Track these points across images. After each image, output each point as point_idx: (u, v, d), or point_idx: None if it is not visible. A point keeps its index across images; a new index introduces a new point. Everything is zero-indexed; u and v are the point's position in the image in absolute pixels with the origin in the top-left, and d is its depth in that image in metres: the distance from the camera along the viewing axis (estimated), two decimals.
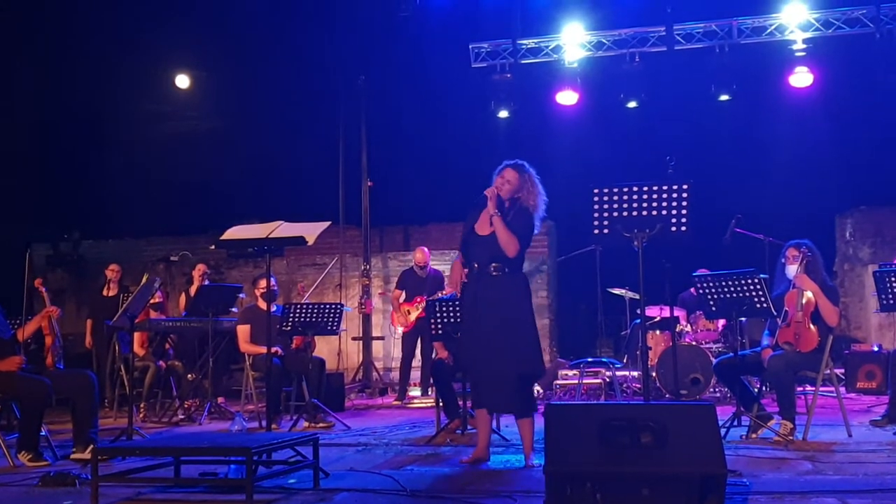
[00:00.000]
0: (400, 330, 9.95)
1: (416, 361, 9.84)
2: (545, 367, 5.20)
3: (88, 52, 11.64)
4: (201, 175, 12.19)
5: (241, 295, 8.65)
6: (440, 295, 9.30)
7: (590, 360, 9.17)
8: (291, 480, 4.62)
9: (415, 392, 9.92)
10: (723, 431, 5.50)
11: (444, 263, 10.86)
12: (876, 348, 9.56)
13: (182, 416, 8.06)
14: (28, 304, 6.85)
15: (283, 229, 5.82)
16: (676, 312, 8.60)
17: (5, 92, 11.66)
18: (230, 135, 12.59)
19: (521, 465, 5.06)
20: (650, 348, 8.73)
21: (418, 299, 9.54)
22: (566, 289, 12.47)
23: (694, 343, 8.62)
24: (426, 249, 9.89)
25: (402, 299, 9.69)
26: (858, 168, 10.99)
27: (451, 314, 6.39)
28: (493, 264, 5.10)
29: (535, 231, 5.26)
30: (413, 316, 9.56)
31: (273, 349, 6.25)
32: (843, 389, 8.14)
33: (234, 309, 8.61)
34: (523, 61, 11.19)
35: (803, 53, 10.33)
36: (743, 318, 7.22)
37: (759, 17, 10.52)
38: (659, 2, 10.67)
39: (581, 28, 10.92)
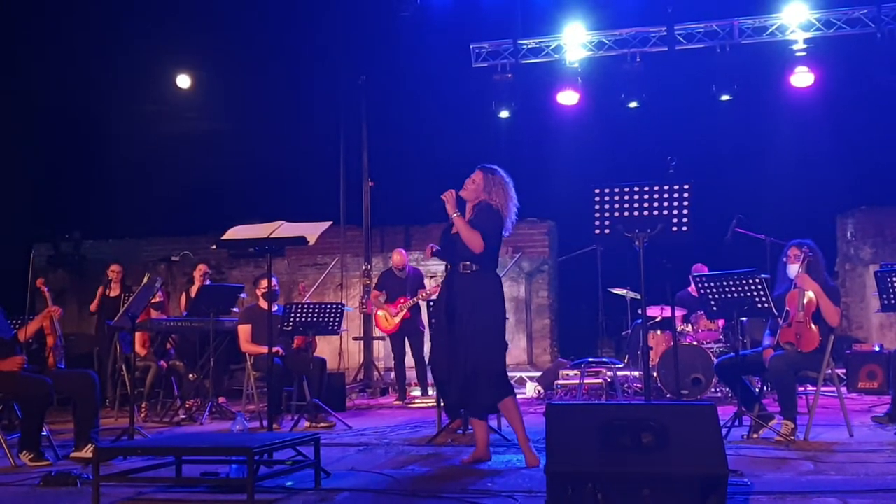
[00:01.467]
0: (382, 330, 9.93)
1: (411, 361, 9.84)
2: (505, 366, 5.24)
3: (89, 51, 11.64)
4: (202, 175, 12.19)
5: (242, 295, 8.65)
6: (422, 293, 9.30)
7: (591, 360, 9.15)
8: (289, 483, 4.61)
9: (416, 392, 9.92)
10: (724, 431, 5.48)
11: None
12: (877, 348, 9.55)
13: (183, 416, 8.06)
14: (30, 304, 6.85)
15: (284, 229, 5.82)
16: (678, 312, 8.59)
17: (5, 92, 11.66)
18: (231, 135, 12.59)
19: (521, 465, 5.06)
20: (651, 348, 8.73)
21: (401, 300, 9.53)
22: (567, 289, 12.47)
23: (695, 343, 8.61)
24: (403, 251, 9.91)
25: (383, 300, 9.66)
26: (860, 168, 10.98)
27: None
28: (463, 263, 5.18)
29: (506, 233, 5.29)
30: (398, 318, 9.54)
31: (274, 349, 6.25)
32: (844, 389, 8.12)
33: (235, 309, 8.61)
34: (524, 61, 11.20)
35: (804, 53, 10.33)
36: (744, 319, 7.21)
37: (760, 17, 10.52)
38: (660, 2, 10.68)
39: (582, 28, 10.92)
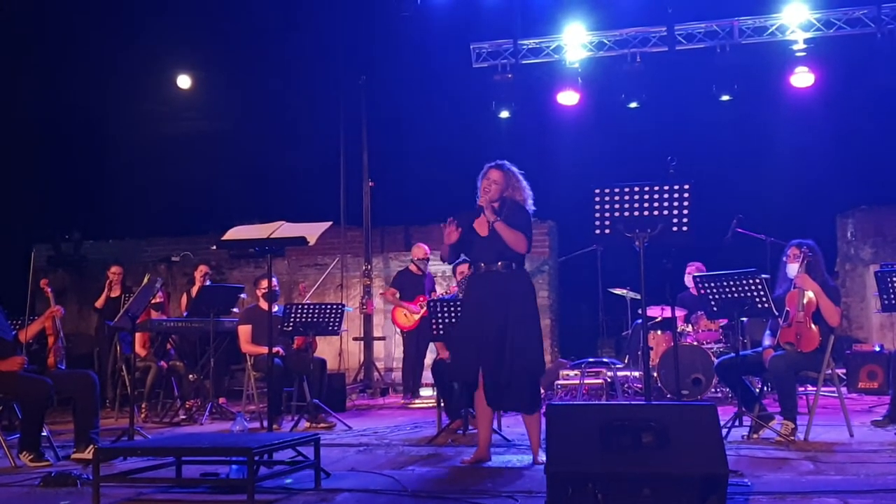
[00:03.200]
0: (400, 327, 9.96)
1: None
2: (545, 366, 5.23)
3: (89, 52, 11.65)
4: (202, 175, 12.19)
5: (242, 295, 8.65)
6: (437, 295, 9.32)
7: (591, 360, 9.15)
8: (288, 481, 4.61)
9: (424, 392, 9.92)
10: (724, 432, 5.49)
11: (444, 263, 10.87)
12: (877, 348, 9.54)
13: (183, 417, 8.07)
14: (31, 304, 6.85)
15: (284, 230, 5.82)
16: (679, 312, 8.58)
17: (6, 93, 11.67)
18: (231, 135, 12.59)
19: (522, 465, 5.06)
20: (651, 348, 8.72)
21: (420, 298, 9.54)
22: (567, 289, 12.46)
23: (695, 343, 8.61)
24: (424, 245, 9.91)
25: (397, 296, 9.70)
26: (859, 168, 10.97)
27: (453, 314, 6.39)
28: (500, 262, 5.14)
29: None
30: (418, 316, 9.56)
31: (274, 349, 6.26)
32: (844, 389, 8.12)
33: (235, 309, 8.61)
34: (524, 61, 11.19)
35: (804, 53, 10.33)
36: (744, 319, 7.21)
37: (760, 17, 10.52)
38: (660, 2, 10.68)
39: (582, 28, 10.92)
